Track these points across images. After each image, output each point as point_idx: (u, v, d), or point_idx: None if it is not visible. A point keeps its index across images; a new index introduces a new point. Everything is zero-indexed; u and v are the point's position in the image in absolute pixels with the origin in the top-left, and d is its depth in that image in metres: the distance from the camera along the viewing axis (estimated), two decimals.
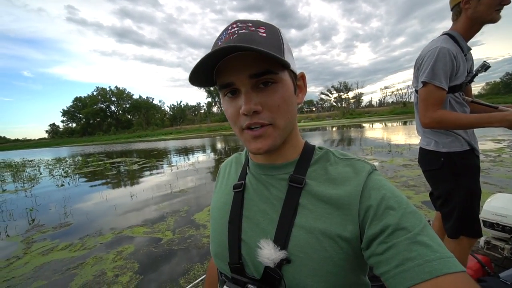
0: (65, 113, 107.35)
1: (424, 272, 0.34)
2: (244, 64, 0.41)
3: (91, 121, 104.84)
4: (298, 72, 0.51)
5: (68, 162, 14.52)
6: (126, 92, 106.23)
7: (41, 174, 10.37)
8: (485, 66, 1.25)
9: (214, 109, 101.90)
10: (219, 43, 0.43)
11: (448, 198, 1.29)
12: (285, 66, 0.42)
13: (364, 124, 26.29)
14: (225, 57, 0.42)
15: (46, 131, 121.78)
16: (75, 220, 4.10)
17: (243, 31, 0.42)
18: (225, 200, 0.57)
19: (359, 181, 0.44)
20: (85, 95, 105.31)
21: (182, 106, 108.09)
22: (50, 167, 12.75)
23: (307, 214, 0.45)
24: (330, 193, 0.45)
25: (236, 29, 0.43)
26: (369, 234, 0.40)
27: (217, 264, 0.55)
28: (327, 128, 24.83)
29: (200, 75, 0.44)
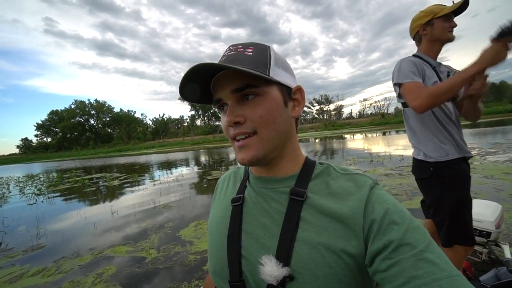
0: (39, 127, 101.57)
1: None
2: (228, 81, 0.46)
3: (68, 135, 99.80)
4: (295, 85, 0.52)
5: (41, 179, 13.60)
6: (106, 105, 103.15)
7: (10, 192, 9.62)
8: (454, 72, 1.38)
9: (198, 122, 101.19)
10: None
11: (438, 207, 1.34)
12: (266, 80, 0.46)
13: (346, 135, 27.14)
14: (213, 76, 0.47)
15: (17, 146, 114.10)
16: (49, 242, 3.80)
17: (232, 53, 0.47)
18: (223, 215, 0.55)
19: (362, 195, 0.44)
20: (62, 108, 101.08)
21: (165, 119, 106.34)
22: (21, 184, 11.87)
23: (310, 228, 0.44)
24: (333, 207, 0.44)
25: (227, 51, 0.48)
26: (373, 249, 0.39)
27: (216, 283, 0.52)
28: (310, 140, 25.37)
29: (192, 92, 0.49)
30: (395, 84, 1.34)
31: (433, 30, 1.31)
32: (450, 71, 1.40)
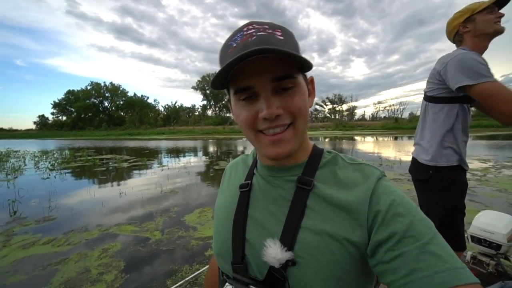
0: (56, 105, 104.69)
1: (434, 284, 0.32)
2: (264, 67, 0.40)
3: (82, 116, 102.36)
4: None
5: (55, 155, 14.10)
6: (121, 88, 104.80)
7: (25, 165, 10.03)
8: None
9: (209, 112, 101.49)
10: (234, 45, 0.42)
11: (430, 209, 1.33)
12: (306, 68, 0.43)
13: (356, 137, 26.73)
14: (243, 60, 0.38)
15: (34, 122, 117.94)
16: (59, 215, 3.97)
17: (261, 33, 0.41)
18: (230, 200, 0.56)
19: (368, 186, 0.44)
20: (79, 88, 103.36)
21: (177, 107, 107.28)
22: (36, 159, 12.35)
23: (315, 216, 0.44)
24: (339, 197, 0.44)
25: (253, 30, 0.42)
26: (375, 240, 0.39)
27: (220, 264, 0.53)
28: (320, 139, 25.13)
29: (219, 80, 0.42)
30: (459, 87, 1.15)
31: (476, 25, 1.18)
32: None
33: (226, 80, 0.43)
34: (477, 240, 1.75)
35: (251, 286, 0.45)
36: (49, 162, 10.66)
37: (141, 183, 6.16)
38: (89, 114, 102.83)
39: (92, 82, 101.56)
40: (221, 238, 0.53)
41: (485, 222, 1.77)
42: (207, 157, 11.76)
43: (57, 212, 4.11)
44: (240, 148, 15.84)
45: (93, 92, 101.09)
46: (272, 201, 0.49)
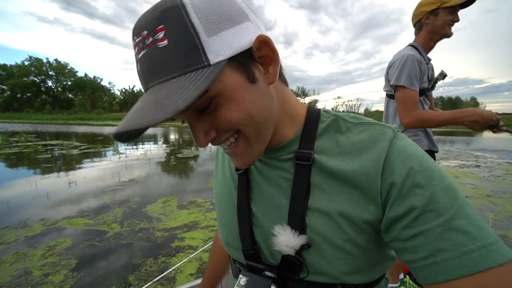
0: None
1: (462, 267, 0.28)
2: None
3: (18, 95, 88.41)
4: (254, 38, 0.33)
5: None
6: (68, 67, 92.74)
7: None
8: (442, 74, 1.44)
9: None
10: (137, 68, 0.33)
11: None
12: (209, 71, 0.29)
13: None
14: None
15: None
16: None
17: (143, 53, 0.30)
18: (229, 183, 0.50)
19: (380, 152, 0.36)
20: (13, 63, 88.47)
21: (135, 91, 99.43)
22: None
23: (321, 195, 0.39)
24: (345, 169, 0.37)
25: (138, 52, 0.32)
26: (390, 216, 0.34)
27: (230, 252, 0.50)
28: None
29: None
30: (391, 84, 1.31)
31: (436, 21, 1.29)
32: (432, 69, 1.43)
33: None
34: None
35: (266, 273, 0.41)
36: None
37: (95, 172, 5.55)
38: (28, 94, 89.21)
39: (30, 57, 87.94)
40: (227, 226, 0.49)
41: None
42: (169, 145, 11.16)
43: None
44: None
45: (33, 68, 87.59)
46: (273, 183, 0.44)
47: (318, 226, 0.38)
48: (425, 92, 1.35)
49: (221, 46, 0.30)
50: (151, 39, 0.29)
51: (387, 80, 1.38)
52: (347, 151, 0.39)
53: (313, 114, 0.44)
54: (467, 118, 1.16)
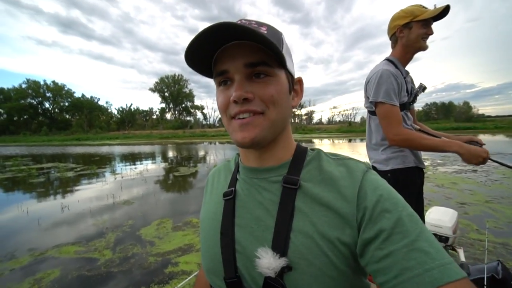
0: None
1: (425, 283, 0.32)
2: (241, 53, 0.42)
3: (15, 118, 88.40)
4: (296, 76, 0.52)
5: None
6: (65, 88, 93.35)
7: None
8: (422, 87, 1.44)
9: (168, 116, 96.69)
10: None
11: None
12: (281, 60, 0.43)
13: (315, 140, 28.22)
14: (223, 45, 0.42)
15: None
16: None
17: (246, 24, 0.41)
18: (215, 210, 0.53)
19: (355, 181, 0.43)
20: (10, 86, 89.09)
21: (132, 109, 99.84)
22: None
23: (304, 218, 0.43)
24: (326, 195, 0.43)
25: (239, 23, 0.42)
26: (364, 238, 0.39)
27: (211, 280, 0.51)
28: None
29: (196, 60, 0.44)
30: (371, 101, 1.31)
31: (410, 35, 1.29)
32: (412, 82, 1.44)
33: (212, 68, 0.46)
34: None
35: None
36: None
37: (89, 195, 5.45)
38: (25, 117, 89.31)
39: (28, 80, 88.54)
40: (209, 252, 0.50)
41: (434, 217, 1.94)
42: (166, 163, 11.08)
43: None
44: (201, 153, 15.34)
45: (30, 91, 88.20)
46: (259, 205, 0.47)
47: (300, 247, 0.41)
48: (406, 107, 1.34)
49: (287, 60, 0.45)
50: (256, 26, 0.44)
51: (366, 97, 1.37)
52: (328, 180, 0.45)
53: (301, 148, 0.52)
54: (454, 150, 1.15)
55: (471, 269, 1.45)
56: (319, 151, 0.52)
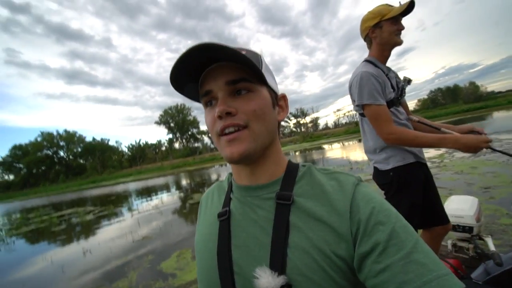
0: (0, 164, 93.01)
1: None
2: (222, 73, 0.45)
3: (34, 171, 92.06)
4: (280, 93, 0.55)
5: (0, 223, 12.18)
6: (77, 135, 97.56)
7: None
8: (406, 80, 1.43)
9: (176, 145, 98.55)
10: None
11: (398, 209, 1.34)
12: (260, 77, 0.46)
13: (324, 146, 27.91)
14: (205, 69, 0.46)
15: None
16: None
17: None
18: (210, 231, 0.53)
19: (346, 195, 0.43)
20: (27, 141, 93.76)
21: (142, 145, 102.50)
22: None
23: (300, 233, 0.43)
24: (319, 210, 0.43)
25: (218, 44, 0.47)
26: (360, 252, 0.39)
27: None
28: (291, 153, 25.72)
29: (182, 83, 0.47)
30: (357, 105, 1.31)
31: (382, 33, 1.31)
32: (396, 77, 1.44)
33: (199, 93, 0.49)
34: (451, 227, 1.81)
35: None
36: None
37: (109, 236, 5.51)
38: (43, 168, 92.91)
39: (42, 133, 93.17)
40: (206, 276, 0.49)
41: (453, 208, 1.86)
42: (180, 192, 11.16)
43: None
44: (214, 177, 15.40)
45: (45, 143, 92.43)
46: (254, 224, 0.47)
47: (298, 263, 0.40)
48: (395, 102, 1.34)
49: (267, 78, 0.48)
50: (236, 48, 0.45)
51: (353, 100, 1.38)
52: (320, 194, 0.45)
53: (293, 164, 0.53)
54: (449, 146, 1.15)
55: (503, 258, 1.37)
56: (310, 166, 0.52)
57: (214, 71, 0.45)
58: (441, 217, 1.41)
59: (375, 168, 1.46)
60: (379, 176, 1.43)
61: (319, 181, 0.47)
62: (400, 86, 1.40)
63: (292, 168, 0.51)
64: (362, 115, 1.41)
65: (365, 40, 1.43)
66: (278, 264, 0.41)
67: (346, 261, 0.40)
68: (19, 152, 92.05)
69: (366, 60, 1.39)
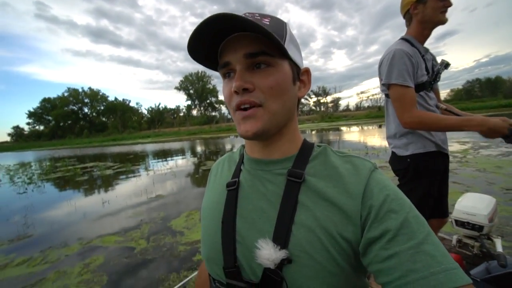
0: (31, 114, 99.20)
1: (430, 286, 0.32)
2: (241, 44, 0.42)
3: (61, 124, 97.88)
4: (303, 67, 0.51)
5: (33, 168, 13.40)
6: (100, 93, 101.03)
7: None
8: (444, 63, 1.30)
9: (194, 112, 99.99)
10: None
11: (410, 197, 1.31)
12: (282, 50, 0.42)
13: (342, 127, 27.19)
14: (225, 38, 0.43)
15: (9, 134, 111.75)
16: (37, 231, 3.73)
17: (248, 17, 0.41)
18: (217, 200, 0.53)
19: (361, 179, 0.42)
20: (55, 96, 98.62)
21: (161, 109, 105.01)
22: (11, 173, 11.67)
23: (307, 211, 0.42)
24: (331, 191, 0.43)
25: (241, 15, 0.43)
26: (368, 237, 0.38)
27: (210, 269, 0.50)
28: (307, 131, 25.36)
29: (200, 52, 0.45)
30: (383, 83, 1.25)
31: (425, 10, 1.19)
32: (434, 60, 1.33)
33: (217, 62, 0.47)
34: (460, 223, 1.77)
35: None
36: (26, 175, 10.10)
37: (125, 190, 5.93)
38: (69, 122, 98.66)
39: (69, 89, 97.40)
40: (209, 241, 0.50)
41: (466, 205, 1.80)
42: (194, 158, 11.55)
43: (34, 228, 3.87)
44: (228, 146, 15.70)
45: (71, 98, 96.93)
46: (262, 197, 0.47)
47: (301, 240, 0.40)
48: (426, 86, 1.25)
49: (291, 50, 0.45)
50: (259, 18, 0.44)
51: (380, 79, 1.31)
52: (334, 176, 0.44)
53: (308, 143, 0.52)
54: (474, 128, 1.06)
55: (509, 260, 1.34)
56: (326, 147, 0.51)
57: (234, 42, 0.43)
58: (441, 211, 1.37)
59: (393, 152, 1.41)
60: (396, 162, 1.38)
61: (333, 163, 0.46)
62: (436, 69, 1.29)
63: (306, 147, 0.50)
64: (387, 96, 1.33)
65: (404, 17, 1.31)
66: (281, 239, 0.41)
67: (351, 244, 0.40)
68: (48, 105, 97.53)
69: (403, 38, 1.29)
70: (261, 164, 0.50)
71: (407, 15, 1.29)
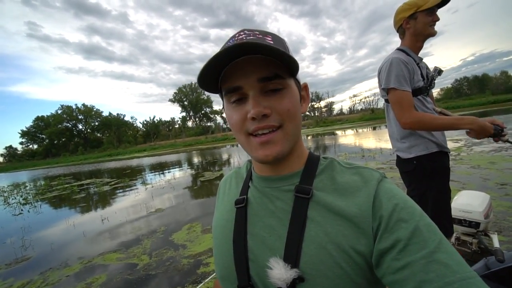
0: (24, 134, 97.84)
1: None
2: (253, 67, 0.41)
3: (55, 142, 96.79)
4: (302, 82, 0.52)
5: (27, 188, 13.16)
6: (94, 109, 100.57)
7: None
8: (437, 70, 1.43)
9: (189, 123, 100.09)
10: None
11: (422, 198, 1.37)
12: (294, 70, 0.43)
13: (337, 131, 27.42)
14: (233, 60, 0.40)
15: (1, 155, 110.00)
16: (35, 253, 3.66)
17: (251, 37, 0.42)
18: (227, 217, 0.53)
19: (369, 190, 0.42)
20: (48, 114, 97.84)
21: (156, 121, 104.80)
22: (5, 194, 11.44)
23: (317, 227, 0.42)
24: (340, 204, 0.42)
25: (243, 36, 0.43)
26: (379, 248, 0.38)
27: (224, 287, 0.50)
28: (303, 137, 25.49)
29: (208, 79, 0.43)
30: (383, 88, 1.35)
31: (416, 24, 1.32)
32: (427, 68, 1.45)
33: (219, 84, 0.45)
34: (457, 221, 1.81)
35: None
36: (21, 196, 9.92)
37: (124, 206, 5.87)
38: (63, 139, 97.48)
39: (62, 106, 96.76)
40: (222, 260, 0.50)
41: (462, 203, 1.85)
42: (191, 169, 11.50)
43: (33, 250, 3.79)
44: (224, 156, 15.68)
45: (65, 115, 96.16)
46: (271, 214, 0.47)
47: (313, 258, 0.40)
48: (423, 91, 1.35)
49: (293, 68, 0.43)
50: (261, 36, 0.43)
51: (380, 85, 1.40)
52: (342, 189, 0.44)
53: (314, 157, 0.51)
54: (465, 126, 1.17)
55: (506, 255, 1.38)
56: (332, 159, 0.51)
57: (243, 65, 0.41)
58: (448, 227, 1.42)
59: (397, 156, 1.49)
60: (402, 164, 1.45)
61: (341, 176, 0.46)
62: (430, 76, 1.40)
63: (312, 161, 0.50)
64: (387, 101, 1.43)
65: (397, 30, 1.43)
66: (292, 257, 0.41)
67: (365, 257, 0.39)
68: (42, 123, 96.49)
69: (399, 49, 1.41)
70: (269, 182, 0.50)
71: (400, 29, 1.41)
